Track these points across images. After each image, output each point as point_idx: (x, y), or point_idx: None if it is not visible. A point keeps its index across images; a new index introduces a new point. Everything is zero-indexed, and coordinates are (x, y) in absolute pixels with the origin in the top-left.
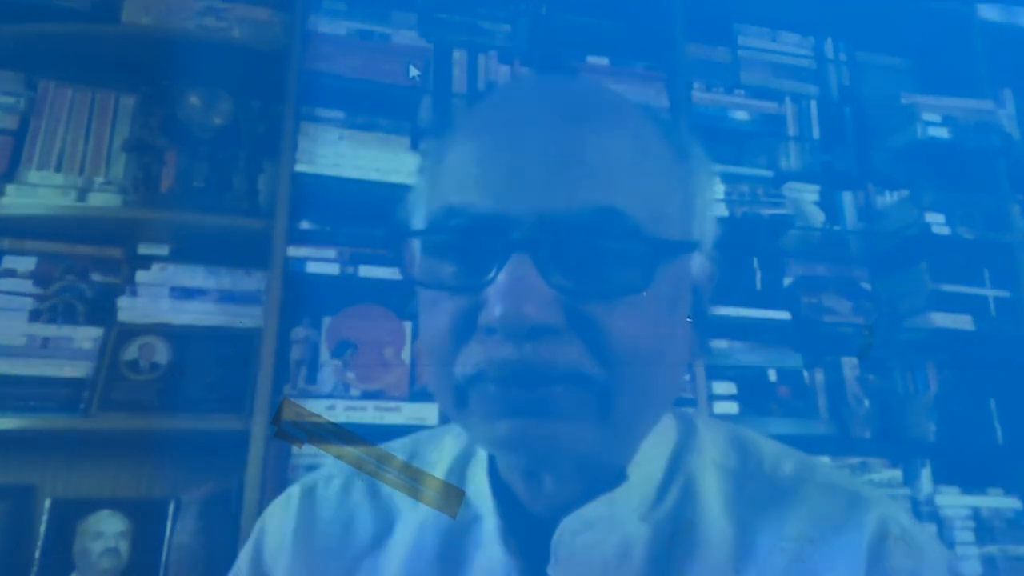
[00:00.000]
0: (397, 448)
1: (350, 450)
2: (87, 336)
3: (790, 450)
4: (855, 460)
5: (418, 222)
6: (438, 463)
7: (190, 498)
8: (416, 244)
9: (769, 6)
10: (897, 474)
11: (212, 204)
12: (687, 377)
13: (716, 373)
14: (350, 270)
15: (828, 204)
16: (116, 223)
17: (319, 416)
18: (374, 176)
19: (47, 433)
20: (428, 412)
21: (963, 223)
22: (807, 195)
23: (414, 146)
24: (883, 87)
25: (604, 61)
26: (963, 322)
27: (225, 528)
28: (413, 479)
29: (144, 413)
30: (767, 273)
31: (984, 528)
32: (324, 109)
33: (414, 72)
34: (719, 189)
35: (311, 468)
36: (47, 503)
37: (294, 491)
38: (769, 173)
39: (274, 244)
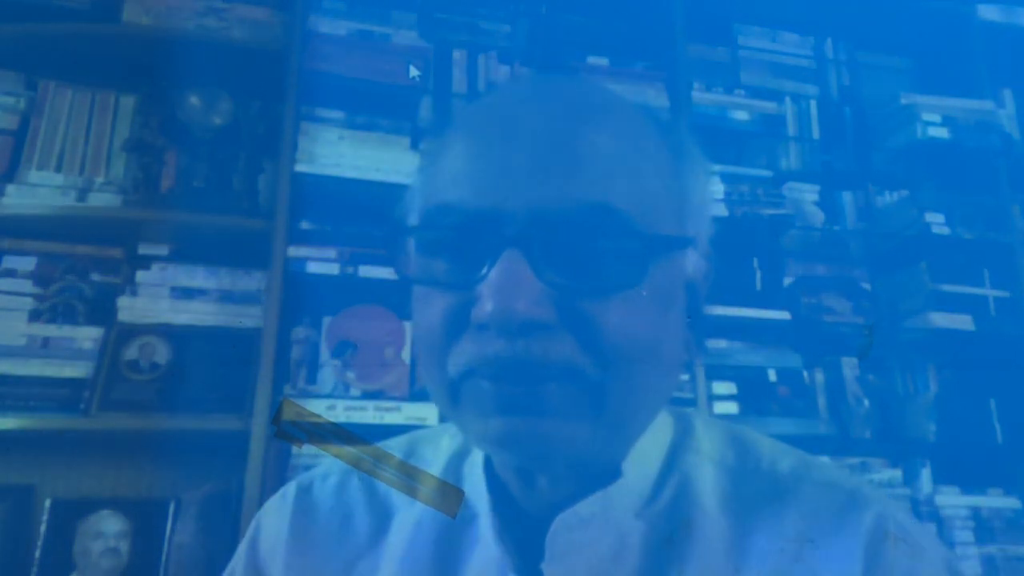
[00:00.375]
0: (394, 446)
1: (349, 449)
2: (87, 336)
3: (788, 448)
4: (855, 460)
5: (413, 220)
6: (434, 461)
7: (190, 498)
8: (411, 242)
9: (769, 6)
10: (897, 474)
11: (212, 204)
12: (685, 376)
13: (716, 373)
14: (350, 270)
15: (828, 204)
16: (116, 223)
17: (319, 416)
18: (374, 176)
19: (47, 433)
20: (428, 412)
21: (963, 223)
22: (807, 195)
23: (414, 146)
24: (883, 87)
25: (604, 61)
26: (963, 322)
27: (225, 528)
28: (410, 477)
29: (144, 413)
30: (767, 273)
31: (984, 528)
32: (324, 109)
33: (414, 72)
34: (719, 189)
35: (311, 468)
36: (47, 503)
37: (290, 489)
38: (769, 173)
39: (274, 244)
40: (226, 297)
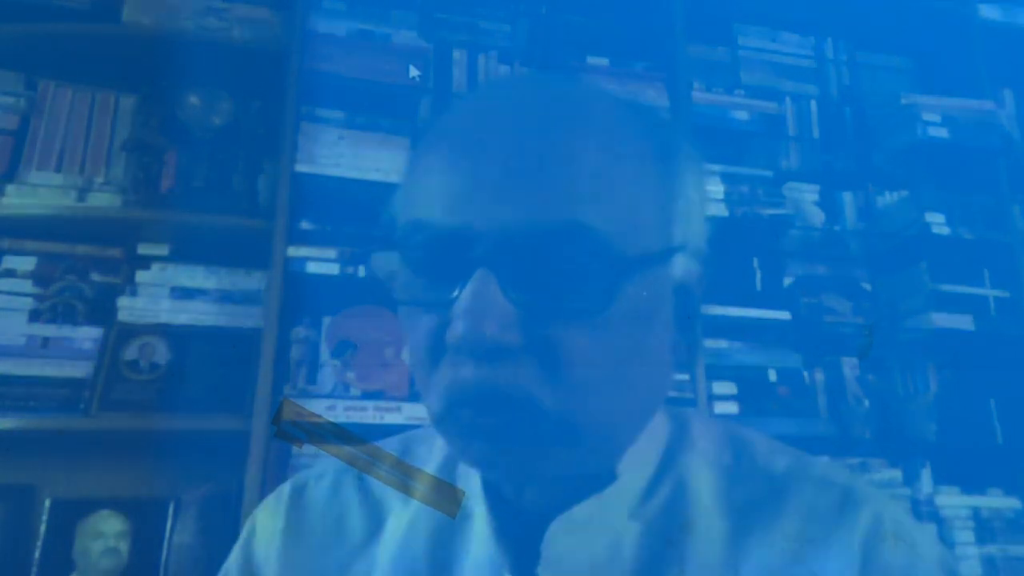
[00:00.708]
0: (389, 446)
1: (348, 449)
2: (87, 336)
3: (784, 447)
4: (855, 460)
5: (397, 234)
6: (429, 461)
7: (190, 498)
8: (389, 257)
9: (769, 6)
10: (897, 474)
11: (212, 204)
12: (685, 376)
13: (716, 373)
14: (350, 270)
15: (828, 204)
16: (116, 223)
17: (319, 416)
18: (374, 176)
19: (47, 433)
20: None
21: (963, 223)
22: (807, 195)
23: (414, 146)
24: (883, 87)
25: (604, 61)
26: (963, 322)
27: (225, 528)
28: (407, 476)
29: (144, 413)
30: (767, 273)
31: (984, 528)
32: (324, 109)
33: (414, 72)
34: (718, 189)
35: (310, 468)
36: (47, 503)
37: (284, 489)
38: (769, 173)
39: (274, 244)
40: (226, 297)
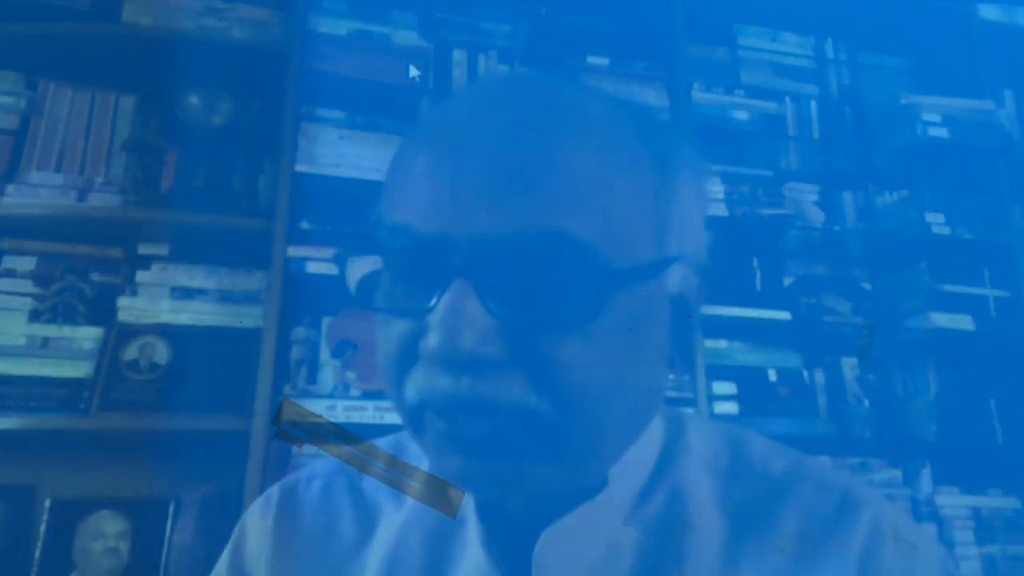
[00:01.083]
0: (382, 446)
1: (349, 449)
2: (87, 336)
3: (782, 448)
4: (855, 460)
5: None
6: (424, 461)
7: (190, 498)
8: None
9: (769, 6)
10: (897, 474)
11: (212, 204)
12: (685, 377)
13: (716, 373)
14: None
15: (828, 204)
16: (116, 223)
17: (319, 416)
18: (374, 176)
19: (47, 433)
20: None
21: (963, 223)
22: (807, 195)
23: (399, 146)
24: (883, 87)
25: (604, 61)
26: (963, 322)
27: (225, 528)
28: (404, 475)
29: (144, 413)
30: (767, 273)
31: (984, 528)
32: (324, 109)
33: (414, 72)
34: (718, 189)
35: None
36: (47, 503)
37: (274, 492)
38: (769, 173)
39: (274, 244)
40: (226, 297)
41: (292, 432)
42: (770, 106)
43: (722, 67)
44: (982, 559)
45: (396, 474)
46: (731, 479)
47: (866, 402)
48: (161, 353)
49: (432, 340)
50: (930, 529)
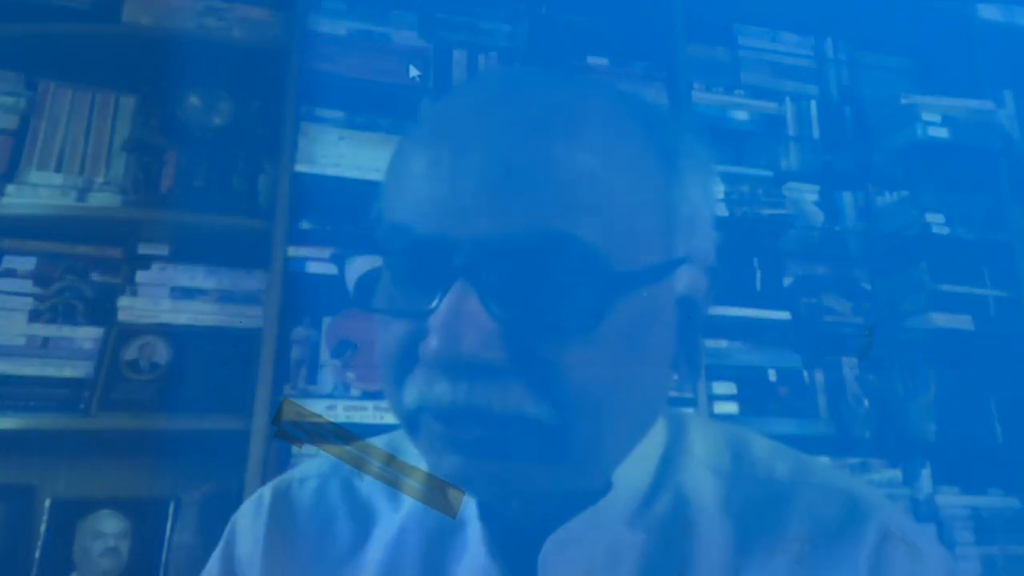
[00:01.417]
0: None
1: (348, 449)
2: (87, 336)
3: (785, 449)
4: (855, 460)
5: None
6: (420, 461)
7: (190, 498)
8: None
9: (769, 6)
10: (897, 474)
11: (212, 204)
12: (676, 378)
13: (716, 373)
14: None
15: (828, 204)
16: (116, 223)
17: (319, 416)
18: (374, 176)
19: (47, 433)
20: None
21: (963, 223)
22: (807, 195)
23: (398, 144)
24: (883, 87)
25: (604, 61)
26: (963, 322)
27: (225, 528)
28: (403, 474)
29: (144, 413)
30: (767, 273)
31: (984, 528)
32: (324, 109)
33: (414, 72)
34: (719, 189)
35: None
36: (47, 503)
37: (265, 493)
38: (769, 173)
39: (274, 244)
40: (226, 297)
41: (292, 432)
42: (770, 106)
43: (722, 67)
44: (982, 559)
45: (394, 473)
46: (734, 482)
47: (866, 402)
48: (161, 353)
49: (432, 343)
50: (930, 529)
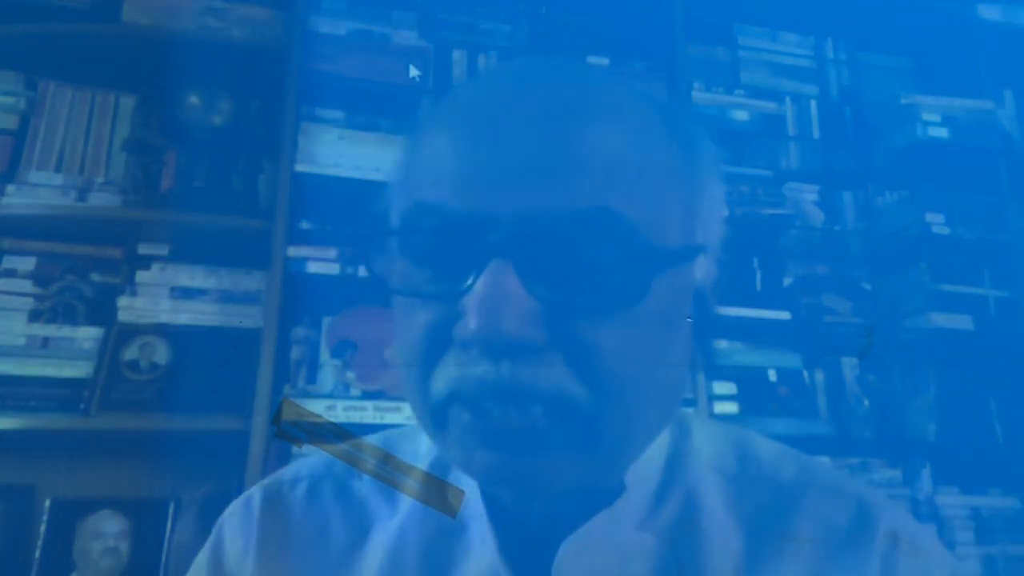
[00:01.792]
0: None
1: (346, 449)
2: (87, 336)
3: (788, 451)
4: (855, 460)
5: (394, 220)
6: (418, 460)
7: (190, 498)
8: (393, 245)
9: (769, 6)
10: (897, 474)
11: (212, 204)
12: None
13: (716, 373)
14: (350, 270)
15: (828, 204)
16: (116, 223)
17: (319, 416)
18: (374, 176)
19: (47, 433)
20: None
21: (963, 223)
22: (807, 195)
23: (416, 127)
24: (883, 87)
25: (604, 61)
26: (963, 322)
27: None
28: (402, 473)
29: (144, 413)
30: (767, 273)
31: (984, 528)
32: (324, 109)
33: (414, 72)
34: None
35: None
36: (47, 503)
37: (255, 495)
38: (769, 173)
39: (274, 244)
40: (226, 297)
41: (292, 432)
42: (770, 106)
43: (722, 67)
44: (982, 559)
45: (392, 472)
46: (740, 484)
47: (866, 402)
48: (161, 353)
49: (471, 323)
50: (930, 529)
